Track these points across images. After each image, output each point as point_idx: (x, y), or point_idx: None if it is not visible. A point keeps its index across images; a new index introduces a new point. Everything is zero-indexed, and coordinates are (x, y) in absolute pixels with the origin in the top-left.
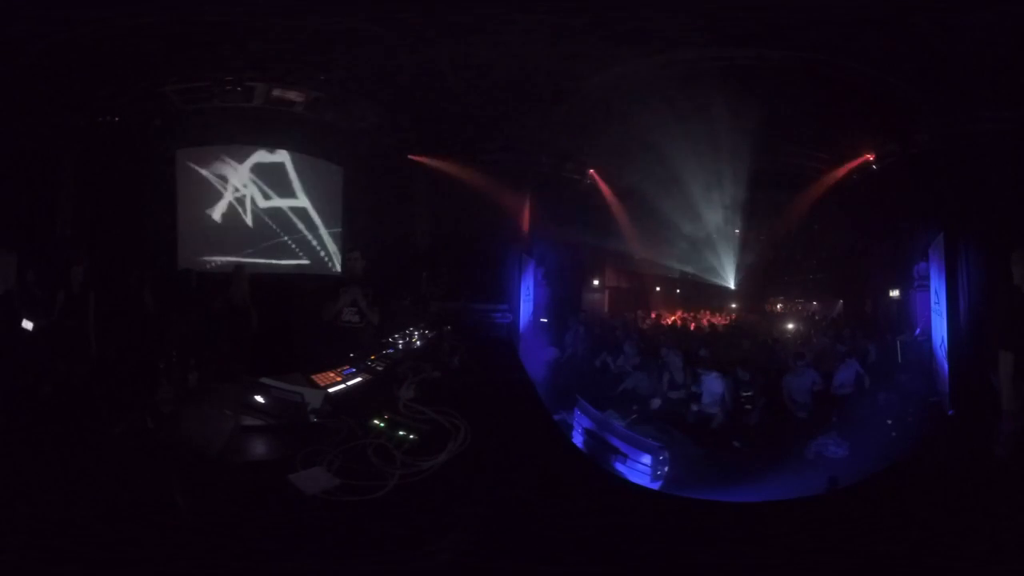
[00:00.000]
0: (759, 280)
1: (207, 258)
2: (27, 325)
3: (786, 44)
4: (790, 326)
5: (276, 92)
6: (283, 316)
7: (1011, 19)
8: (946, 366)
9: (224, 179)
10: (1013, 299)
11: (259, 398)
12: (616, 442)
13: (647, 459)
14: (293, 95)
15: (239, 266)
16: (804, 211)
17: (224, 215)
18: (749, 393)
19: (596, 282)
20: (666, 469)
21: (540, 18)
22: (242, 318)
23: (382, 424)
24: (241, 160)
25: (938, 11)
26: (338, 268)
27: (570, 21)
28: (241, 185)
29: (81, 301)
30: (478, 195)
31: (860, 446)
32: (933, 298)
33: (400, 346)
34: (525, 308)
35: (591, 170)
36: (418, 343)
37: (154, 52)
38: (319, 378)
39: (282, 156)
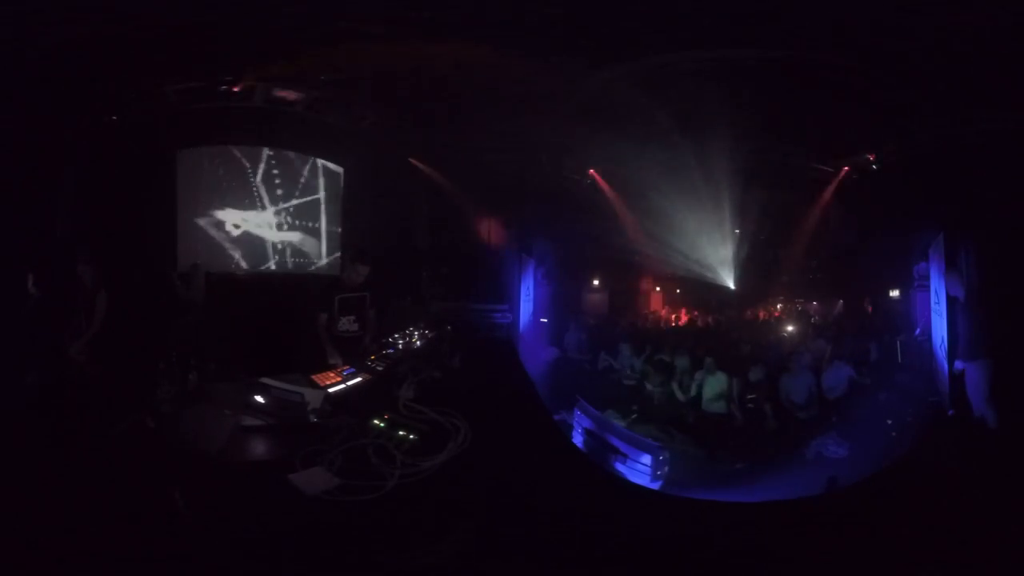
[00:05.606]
0: (759, 280)
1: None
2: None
3: (786, 44)
4: (790, 327)
5: (276, 92)
6: (281, 320)
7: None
8: (946, 366)
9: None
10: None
11: (259, 398)
12: (616, 442)
13: (647, 459)
14: (293, 95)
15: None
16: (804, 211)
17: (224, 215)
18: (753, 395)
19: (596, 282)
20: (666, 469)
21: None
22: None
23: (382, 424)
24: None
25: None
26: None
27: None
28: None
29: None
30: (478, 195)
31: (860, 446)
32: (933, 298)
33: (400, 346)
34: (525, 308)
35: (591, 170)
36: (418, 343)
37: (154, 52)
38: (319, 378)
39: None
